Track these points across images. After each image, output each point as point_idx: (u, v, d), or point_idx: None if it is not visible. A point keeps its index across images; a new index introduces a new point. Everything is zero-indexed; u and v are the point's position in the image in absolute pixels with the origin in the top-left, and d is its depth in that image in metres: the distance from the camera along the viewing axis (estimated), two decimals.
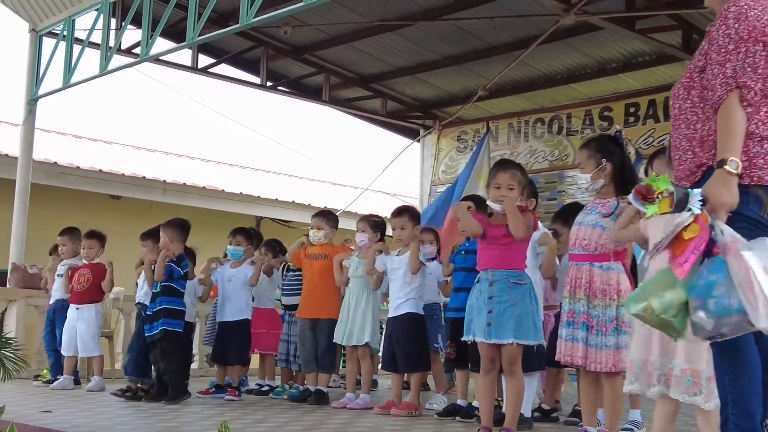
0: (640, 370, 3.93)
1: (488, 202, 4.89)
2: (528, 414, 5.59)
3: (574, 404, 6.03)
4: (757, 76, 3.07)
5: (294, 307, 7.57)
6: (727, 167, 2.97)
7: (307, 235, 7.39)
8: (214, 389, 7.48)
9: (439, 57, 11.75)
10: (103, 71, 9.64)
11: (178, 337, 7.07)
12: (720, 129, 3.08)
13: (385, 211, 8.38)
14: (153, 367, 7.35)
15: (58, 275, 8.46)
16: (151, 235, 7.55)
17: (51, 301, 8.62)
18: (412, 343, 6.38)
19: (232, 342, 7.47)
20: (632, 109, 11.24)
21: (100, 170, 13.62)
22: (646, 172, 4.87)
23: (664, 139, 10.23)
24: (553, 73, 11.74)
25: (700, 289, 2.88)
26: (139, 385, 7.28)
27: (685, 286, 2.91)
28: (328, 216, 7.42)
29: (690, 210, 2.97)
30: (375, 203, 16.24)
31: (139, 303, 7.65)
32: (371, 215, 7.29)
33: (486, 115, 12.79)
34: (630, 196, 3.69)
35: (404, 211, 6.66)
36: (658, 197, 3.20)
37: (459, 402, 6.17)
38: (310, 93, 13.14)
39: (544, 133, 12.13)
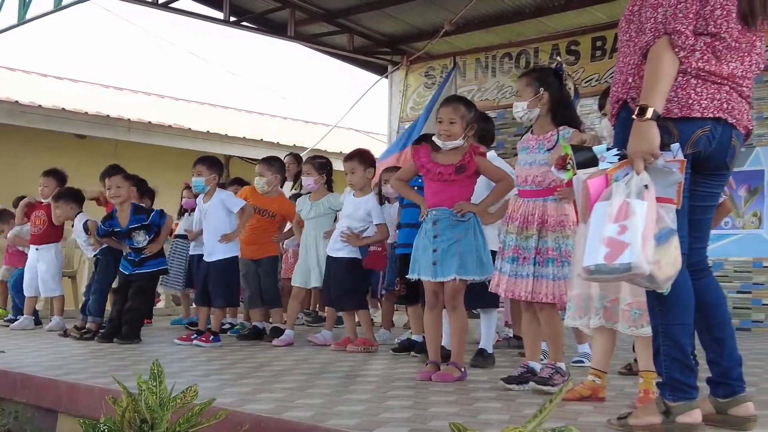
0: (586, 304, 3.95)
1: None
2: (490, 350, 5.51)
3: None
4: (689, 21, 3.02)
5: None
6: (644, 116, 2.94)
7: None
8: (195, 335, 6.71)
9: None
10: (58, 6, 9.40)
11: (156, 278, 7.33)
12: (646, 75, 3.05)
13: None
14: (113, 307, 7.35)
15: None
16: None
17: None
18: (344, 281, 6.39)
19: (218, 282, 6.82)
20: (599, 43, 11.09)
21: (63, 109, 13.39)
22: (601, 107, 4.80)
23: None
24: (521, 7, 11.52)
25: None
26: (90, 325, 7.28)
27: None
28: (272, 163, 7.43)
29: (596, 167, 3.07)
30: (344, 141, 16.14)
31: None
32: (316, 156, 7.26)
33: (454, 50, 12.60)
34: (552, 169, 3.73)
35: (354, 156, 6.52)
36: (569, 162, 3.22)
37: (414, 337, 6.20)
38: (276, 29, 12.85)
39: (511, 68, 11.99)
